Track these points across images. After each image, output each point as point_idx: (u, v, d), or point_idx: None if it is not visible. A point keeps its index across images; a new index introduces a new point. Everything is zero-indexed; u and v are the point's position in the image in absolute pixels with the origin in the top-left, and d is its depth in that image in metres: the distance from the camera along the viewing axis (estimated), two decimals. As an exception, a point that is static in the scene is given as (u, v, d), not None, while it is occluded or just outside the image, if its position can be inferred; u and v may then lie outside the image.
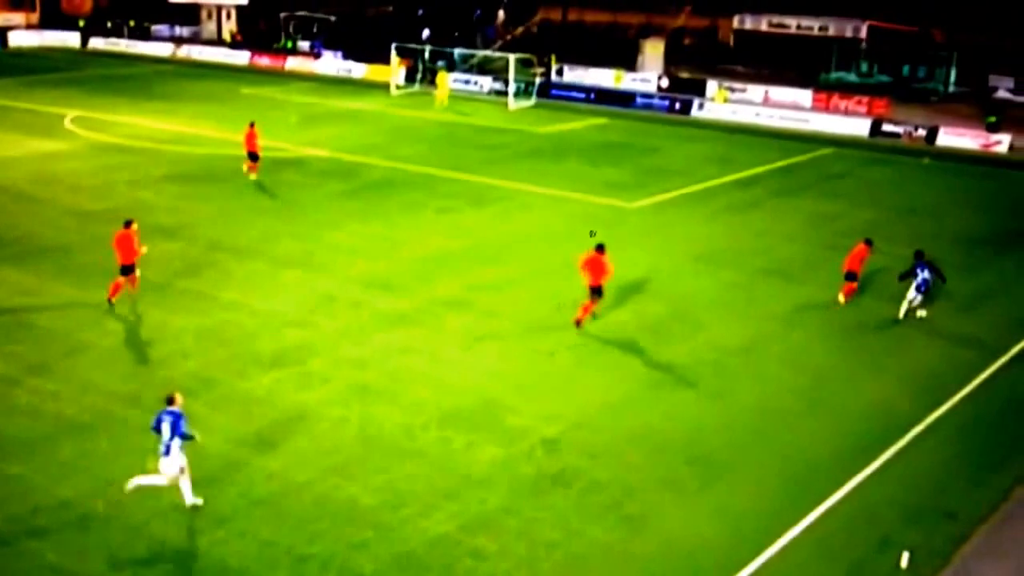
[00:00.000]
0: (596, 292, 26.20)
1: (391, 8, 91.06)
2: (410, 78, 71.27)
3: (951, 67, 72.03)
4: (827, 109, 64.64)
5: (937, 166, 50.65)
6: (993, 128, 57.45)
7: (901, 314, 27.78)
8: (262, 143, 41.55)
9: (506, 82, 66.54)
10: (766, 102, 66.12)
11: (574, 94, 68.69)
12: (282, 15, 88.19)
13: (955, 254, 34.14)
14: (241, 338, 25.03)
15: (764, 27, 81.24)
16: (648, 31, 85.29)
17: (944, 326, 27.87)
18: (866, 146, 55.61)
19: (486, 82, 70.41)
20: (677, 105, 65.26)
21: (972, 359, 25.62)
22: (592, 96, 68.03)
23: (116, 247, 26.29)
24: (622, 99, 67.31)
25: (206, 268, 30.09)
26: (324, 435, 20.44)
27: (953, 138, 56.86)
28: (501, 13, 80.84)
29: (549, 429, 21.04)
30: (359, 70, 77.43)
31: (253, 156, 40.90)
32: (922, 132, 57.92)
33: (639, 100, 66.84)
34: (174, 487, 17.54)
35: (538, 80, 69.49)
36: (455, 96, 64.24)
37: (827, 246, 34.61)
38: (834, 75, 74.66)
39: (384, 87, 68.65)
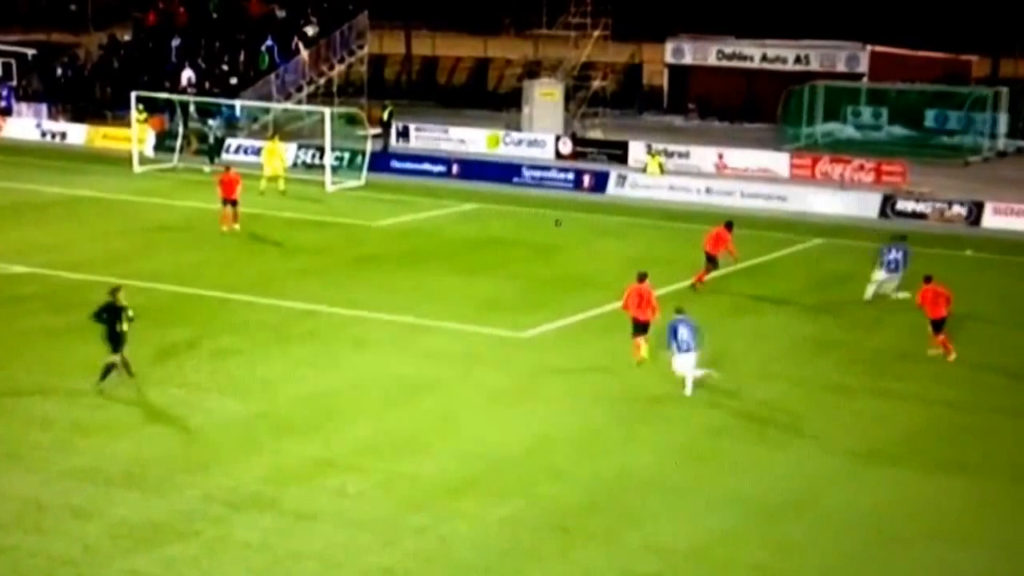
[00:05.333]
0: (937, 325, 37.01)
1: (127, 38, 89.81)
2: (165, 146, 71.06)
3: (999, 111, 73.83)
4: (813, 179, 66.16)
5: (985, 260, 52.07)
6: (1065, 201, 59.33)
7: (868, 295, 41.79)
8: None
9: (321, 150, 66.83)
10: (721, 171, 67.56)
11: (426, 167, 69.62)
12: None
13: None
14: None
15: (712, 59, 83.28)
16: (538, 70, 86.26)
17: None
18: (875, 232, 56.73)
19: (290, 150, 70.69)
20: (586, 180, 66.44)
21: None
22: (455, 169, 68.87)
23: None
24: (501, 173, 68.32)
25: None
26: None
27: (1007, 218, 58.75)
28: (304, 50, 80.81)
29: None
30: (77, 133, 77.36)
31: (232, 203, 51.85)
32: (960, 210, 59.65)
33: (527, 174, 67.88)
34: None
35: (370, 146, 70.00)
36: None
37: (823, 386, 35.19)
38: (822, 128, 76.46)
39: (123, 160, 68.26)
